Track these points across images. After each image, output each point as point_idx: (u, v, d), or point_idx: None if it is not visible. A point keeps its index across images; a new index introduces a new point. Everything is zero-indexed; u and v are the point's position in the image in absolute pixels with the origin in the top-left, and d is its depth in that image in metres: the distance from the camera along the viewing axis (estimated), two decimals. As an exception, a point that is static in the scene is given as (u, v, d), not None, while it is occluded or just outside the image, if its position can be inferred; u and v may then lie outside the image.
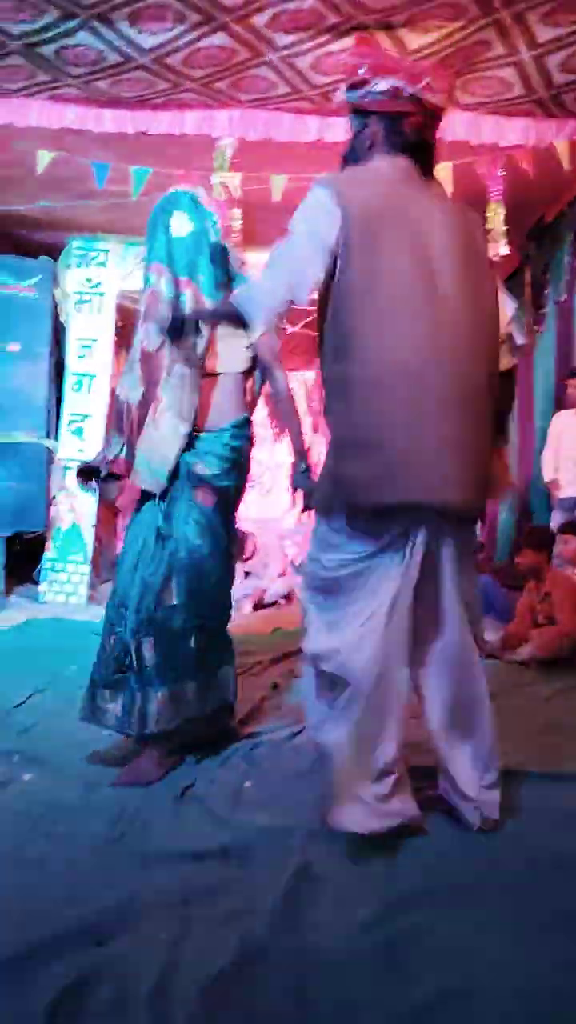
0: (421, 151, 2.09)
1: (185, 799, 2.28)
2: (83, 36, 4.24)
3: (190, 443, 2.62)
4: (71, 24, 4.14)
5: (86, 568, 6.82)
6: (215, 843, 1.97)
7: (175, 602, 2.57)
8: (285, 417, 2.74)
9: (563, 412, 6.17)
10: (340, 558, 2.04)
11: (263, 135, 5.29)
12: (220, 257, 2.72)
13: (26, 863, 1.90)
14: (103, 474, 2.82)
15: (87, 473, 2.89)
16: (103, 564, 7.70)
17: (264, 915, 1.59)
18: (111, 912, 1.62)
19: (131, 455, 2.70)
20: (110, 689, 2.61)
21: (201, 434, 2.65)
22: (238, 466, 2.74)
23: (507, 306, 2.15)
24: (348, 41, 4.45)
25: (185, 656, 2.58)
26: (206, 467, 2.64)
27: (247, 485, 2.87)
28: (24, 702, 3.33)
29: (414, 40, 4.45)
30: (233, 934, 1.51)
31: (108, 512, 8.45)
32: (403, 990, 1.34)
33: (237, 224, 5.51)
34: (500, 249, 5.74)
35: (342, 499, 2.00)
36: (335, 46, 4.50)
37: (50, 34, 4.24)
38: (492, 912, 1.63)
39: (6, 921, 1.61)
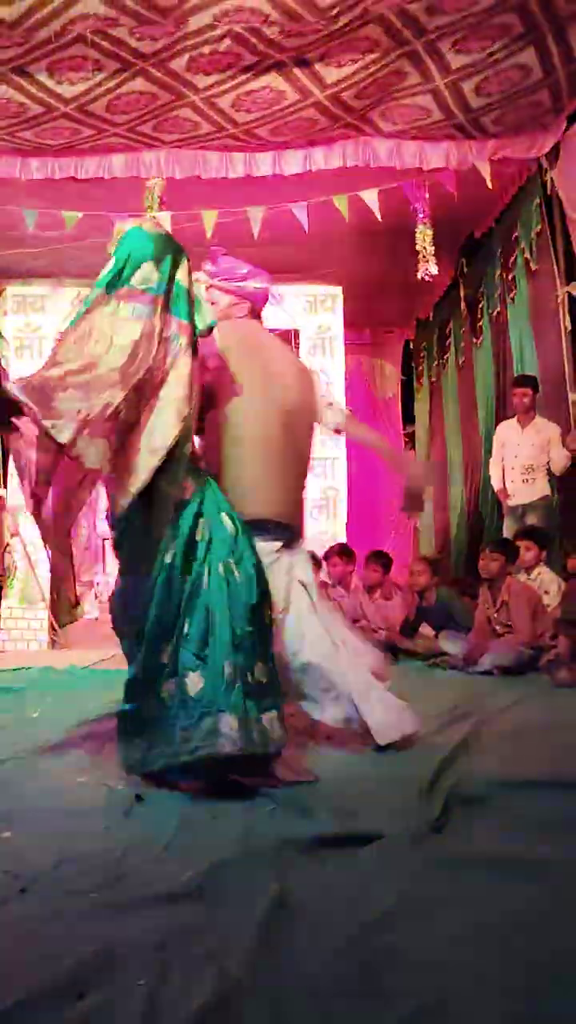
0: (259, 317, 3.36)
1: (169, 846, 2.28)
2: (3, 90, 4.30)
3: None
4: (-10, 79, 4.21)
5: (45, 613, 6.76)
6: (191, 884, 1.97)
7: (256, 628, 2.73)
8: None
9: (504, 423, 6.30)
10: None
11: (190, 173, 5.40)
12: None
13: (3, 923, 1.88)
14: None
15: None
16: (62, 609, 7.64)
17: (240, 951, 1.60)
18: (89, 964, 1.61)
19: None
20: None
21: None
22: None
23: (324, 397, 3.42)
24: (267, 79, 4.57)
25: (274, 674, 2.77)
26: None
27: None
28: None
29: (330, 75, 4.58)
30: (211, 973, 1.52)
31: (62, 556, 8.39)
32: (381, 1011, 1.36)
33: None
34: (430, 269, 5.89)
35: None
36: (255, 84, 4.62)
37: (-30, 89, 4.30)
38: (462, 923, 1.66)
39: (-16, 983, 1.59)
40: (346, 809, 2.42)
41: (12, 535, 6.77)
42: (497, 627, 4.88)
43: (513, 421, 6.19)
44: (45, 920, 1.86)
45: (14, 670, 5.38)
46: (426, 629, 5.69)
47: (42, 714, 4.18)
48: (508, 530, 6.06)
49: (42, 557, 6.85)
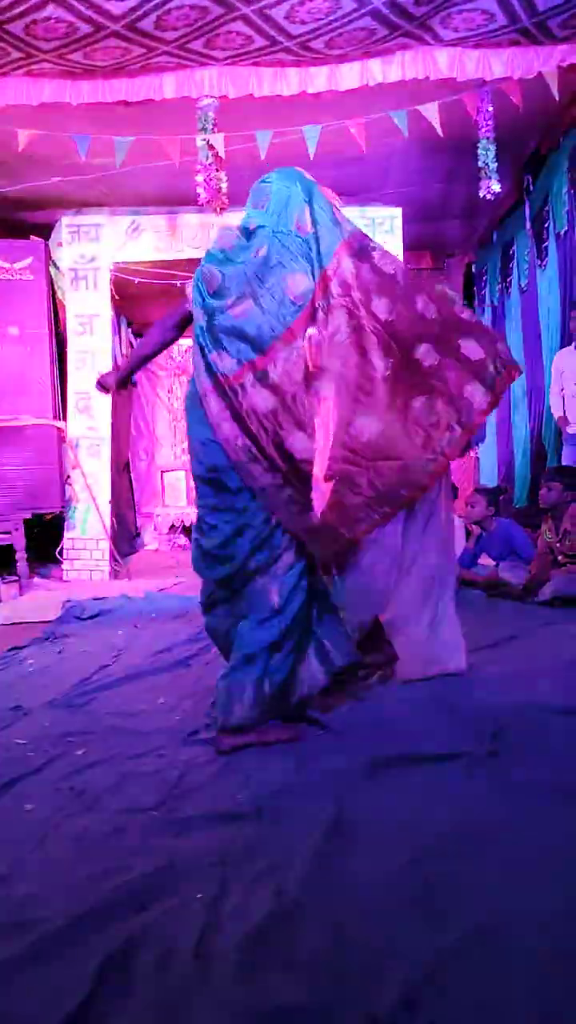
0: None
1: (226, 766, 2.34)
2: (51, 9, 4.18)
3: None
4: (38, -3, 4.08)
5: (106, 544, 6.88)
6: (251, 804, 2.02)
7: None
8: None
9: (564, 350, 6.13)
10: None
11: (243, 92, 5.21)
12: None
13: (70, 837, 1.95)
14: None
15: None
16: (123, 538, 7.78)
17: (298, 869, 1.63)
18: (151, 878, 1.67)
19: None
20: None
21: None
22: None
23: None
24: (321, -14, 4.36)
25: None
26: None
27: None
28: (90, 678, 3.48)
29: (389, -21, 4.34)
30: (268, 890, 1.56)
31: (124, 487, 8.51)
32: (433, 934, 1.38)
33: (224, 186, 5.44)
34: (493, 187, 5.63)
35: None
36: (309, -7, 4.40)
37: (18, 10, 4.18)
38: (519, 849, 1.67)
39: (53, 894, 1.66)
40: (400, 734, 2.44)
41: (72, 467, 6.87)
42: (560, 557, 4.80)
43: (571, 348, 6.02)
44: (109, 836, 1.93)
45: (95, 599, 5.51)
46: (486, 560, 5.63)
47: (126, 638, 4.31)
48: (568, 459, 5.93)
49: (102, 488, 6.95)
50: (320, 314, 2.50)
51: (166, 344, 2.84)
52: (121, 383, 2.94)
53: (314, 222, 2.59)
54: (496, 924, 1.41)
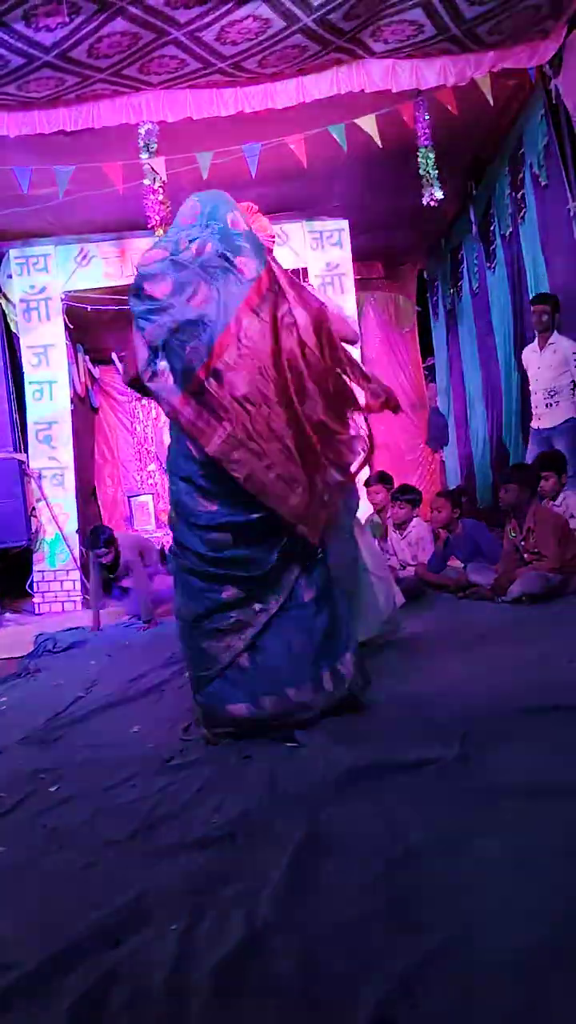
0: None
1: (201, 790, 2.32)
2: (-20, 43, 4.18)
3: None
4: (-34, 33, 4.09)
5: (76, 574, 6.82)
6: (225, 828, 2.00)
7: None
8: None
9: (526, 349, 6.19)
10: None
11: (181, 115, 5.23)
12: None
13: (42, 875, 1.93)
14: None
15: None
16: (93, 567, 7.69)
17: (271, 891, 1.62)
18: (124, 912, 1.65)
19: None
20: None
21: None
22: None
23: None
24: (251, 7, 4.39)
25: None
26: None
27: None
28: (64, 711, 3.46)
29: (315, -4, 4.39)
30: (241, 915, 1.54)
31: (92, 514, 8.45)
32: (409, 945, 1.37)
33: (168, 208, 5.45)
34: (436, 194, 5.70)
35: None
36: (239, 13, 4.44)
37: (-53, 46, 4.18)
38: (491, 851, 1.66)
39: (25, 937, 1.63)
40: (371, 743, 2.43)
41: (37, 500, 6.80)
42: (525, 555, 4.83)
43: (534, 344, 6.07)
44: (82, 872, 1.90)
45: (67, 630, 5.47)
46: (454, 562, 5.66)
47: (99, 669, 4.28)
48: (532, 455, 5.98)
49: (69, 518, 6.89)
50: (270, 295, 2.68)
51: None
52: None
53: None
54: (470, 929, 1.40)
